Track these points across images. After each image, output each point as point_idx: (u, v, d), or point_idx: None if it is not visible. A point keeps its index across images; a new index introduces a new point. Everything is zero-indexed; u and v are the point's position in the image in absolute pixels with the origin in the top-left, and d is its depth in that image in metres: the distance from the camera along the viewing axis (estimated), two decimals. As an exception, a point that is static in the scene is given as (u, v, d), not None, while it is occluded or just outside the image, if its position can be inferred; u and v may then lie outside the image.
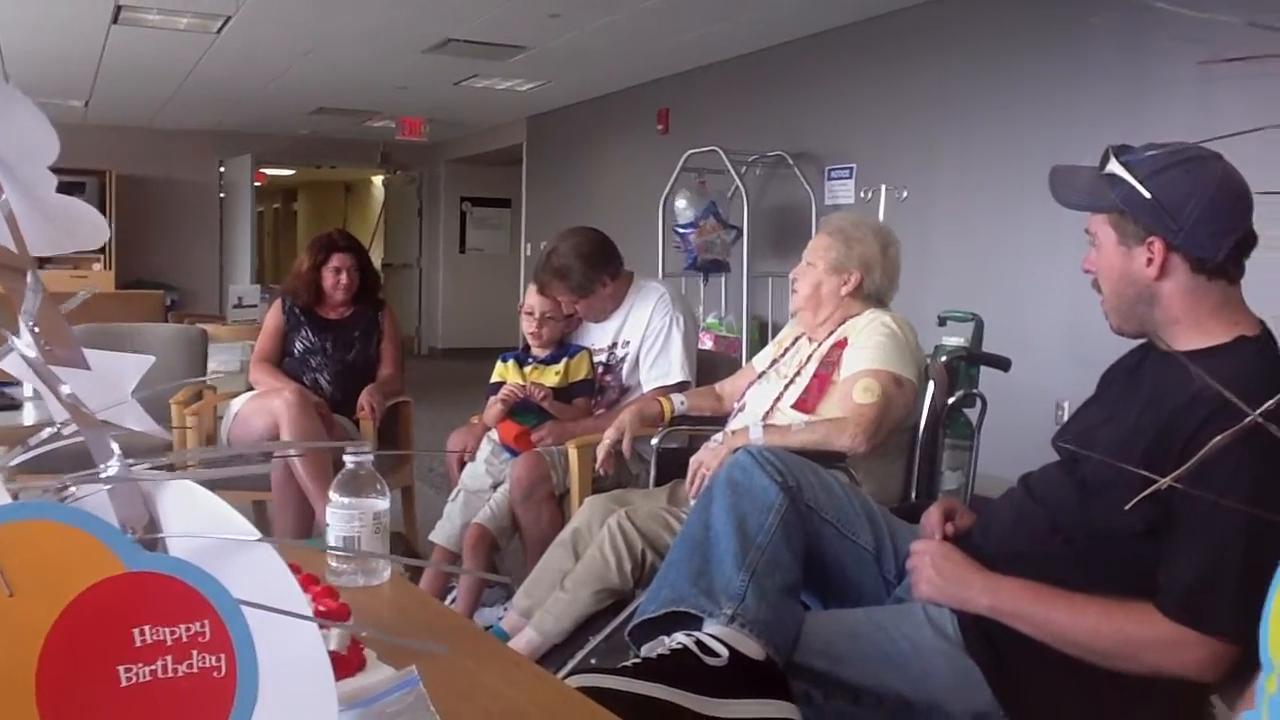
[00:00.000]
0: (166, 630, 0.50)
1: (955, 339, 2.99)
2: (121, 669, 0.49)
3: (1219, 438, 0.61)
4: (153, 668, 0.49)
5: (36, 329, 0.54)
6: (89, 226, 0.65)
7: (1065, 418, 1.92)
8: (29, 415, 3.28)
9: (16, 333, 0.54)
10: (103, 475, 0.51)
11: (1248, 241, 1.57)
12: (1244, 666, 1.38)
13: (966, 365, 2.88)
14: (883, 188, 5.82)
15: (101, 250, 10.56)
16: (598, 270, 3.29)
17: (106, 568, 0.49)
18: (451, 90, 8.99)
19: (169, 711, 0.50)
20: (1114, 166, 1.59)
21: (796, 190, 6.83)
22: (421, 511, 4.08)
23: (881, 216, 5.35)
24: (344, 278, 3.88)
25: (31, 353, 0.53)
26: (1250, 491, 1.38)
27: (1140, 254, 1.59)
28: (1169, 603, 1.45)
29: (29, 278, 0.55)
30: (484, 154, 12.04)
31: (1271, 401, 0.60)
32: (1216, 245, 1.55)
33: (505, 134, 11.17)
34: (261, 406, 3.59)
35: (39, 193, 0.60)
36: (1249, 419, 0.54)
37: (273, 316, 3.96)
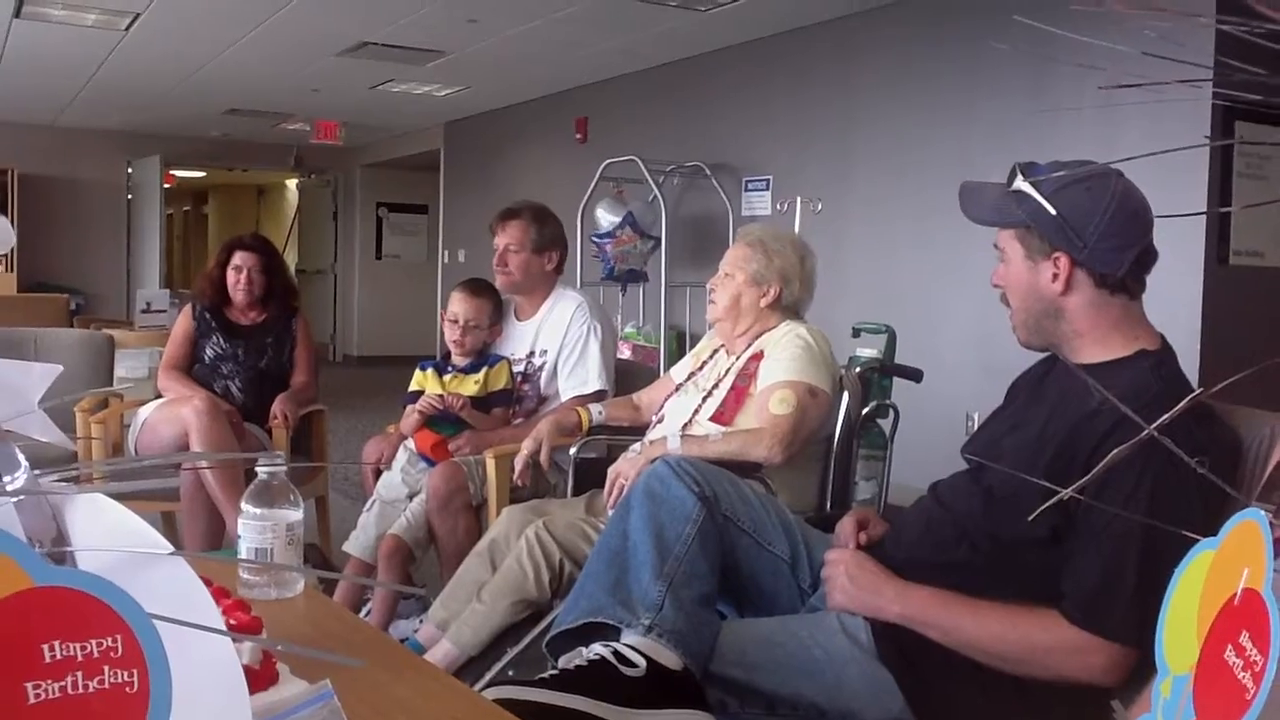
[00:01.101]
0: (77, 646, 0.48)
1: (869, 350, 3.03)
2: (30, 686, 0.48)
3: (1116, 451, 0.63)
4: (63, 684, 0.48)
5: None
6: (-6, 232, 0.63)
7: (975, 428, 1.96)
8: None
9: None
10: (9, 487, 0.50)
11: (1148, 257, 1.63)
12: (1144, 670, 1.42)
13: (880, 376, 2.92)
14: (798, 199, 5.89)
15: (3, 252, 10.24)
16: (558, 243, 3.38)
17: (14, 583, 0.48)
18: (368, 94, 8.90)
19: (80, 729, 0.48)
20: (1021, 183, 1.63)
21: (714, 201, 6.88)
22: (336, 522, 4.02)
23: (797, 228, 5.42)
24: (245, 276, 3.80)
25: (-68, 361, 0.52)
26: (1149, 501, 1.43)
27: (1046, 269, 1.64)
28: (1071, 609, 1.49)
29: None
30: (401, 159, 11.94)
31: (1167, 415, 0.62)
32: (1119, 260, 1.60)
33: (423, 139, 11.09)
34: (170, 415, 3.50)
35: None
36: (1145, 433, 0.56)
37: (182, 322, 3.88)
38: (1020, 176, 1.64)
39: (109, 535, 0.52)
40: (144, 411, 3.64)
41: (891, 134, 5.85)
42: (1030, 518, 1.02)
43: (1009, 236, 1.69)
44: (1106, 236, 1.58)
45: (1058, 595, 1.52)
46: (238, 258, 3.82)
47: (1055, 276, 1.63)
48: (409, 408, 3.25)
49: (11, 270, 10.20)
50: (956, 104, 5.48)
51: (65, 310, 7.53)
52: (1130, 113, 4.50)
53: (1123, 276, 1.61)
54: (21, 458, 0.51)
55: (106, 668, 0.49)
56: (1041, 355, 1.79)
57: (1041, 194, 1.60)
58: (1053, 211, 1.60)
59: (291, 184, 14.29)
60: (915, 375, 2.96)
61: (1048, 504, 0.81)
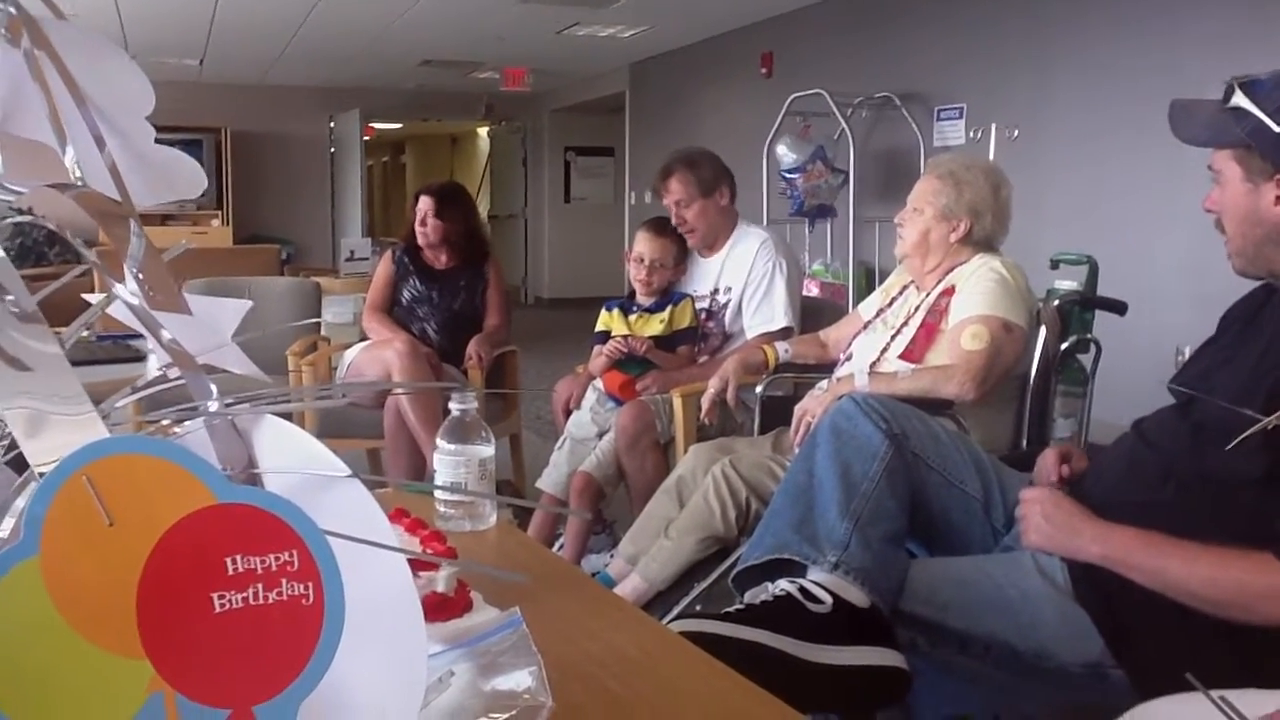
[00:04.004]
0: (256, 559, 0.52)
1: (1068, 282, 2.90)
2: (215, 595, 0.52)
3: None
4: (244, 595, 0.52)
5: (140, 276, 0.56)
6: (187, 177, 0.66)
7: (1184, 362, 1.85)
8: (154, 366, 3.42)
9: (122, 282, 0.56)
10: (199, 412, 0.53)
11: None
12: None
13: (1080, 309, 2.79)
14: (993, 127, 5.66)
15: (220, 206, 10.87)
16: (722, 177, 3.34)
17: (199, 499, 0.52)
18: (553, 39, 8.98)
19: (260, 636, 0.53)
20: (1239, 99, 1.51)
21: (904, 132, 6.68)
22: (529, 459, 4.14)
23: (991, 157, 5.21)
24: (428, 221, 3.93)
25: (135, 299, 0.55)
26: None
27: (1268, 191, 1.52)
28: (1288, 552, 1.40)
29: (132, 227, 0.57)
30: (587, 102, 12.04)
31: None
32: None
33: (608, 82, 11.15)
34: (374, 357, 3.68)
35: (138, 143, 0.61)
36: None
37: (384, 266, 4.06)
38: (1239, 92, 1.52)
39: (292, 459, 0.54)
40: (349, 354, 3.83)
41: (1092, 52, 5.53)
42: (1229, 446, 0.95)
43: (1225, 157, 1.57)
44: None
45: (1273, 538, 1.42)
46: (421, 203, 3.97)
47: (1278, 199, 1.51)
48: (597, 348, 3.31)
49: (227, 223, 10.83)
50: (1163, 17, 5.12)
51: (276, 260, 7.93)
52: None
53: None
54: (213, 386, 0.54)
55: (284, 580, 0.52)
56: (1259, 283, 1.67)
57: (1264, 110, 1.48)
58: (1276, 129, 1.47)
59: (483, 132, 14.63)
60: (1119, 307, 2.81)
61: (1253, 429, 0.75)
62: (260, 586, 0.52)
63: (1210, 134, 1.59)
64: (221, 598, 0.51)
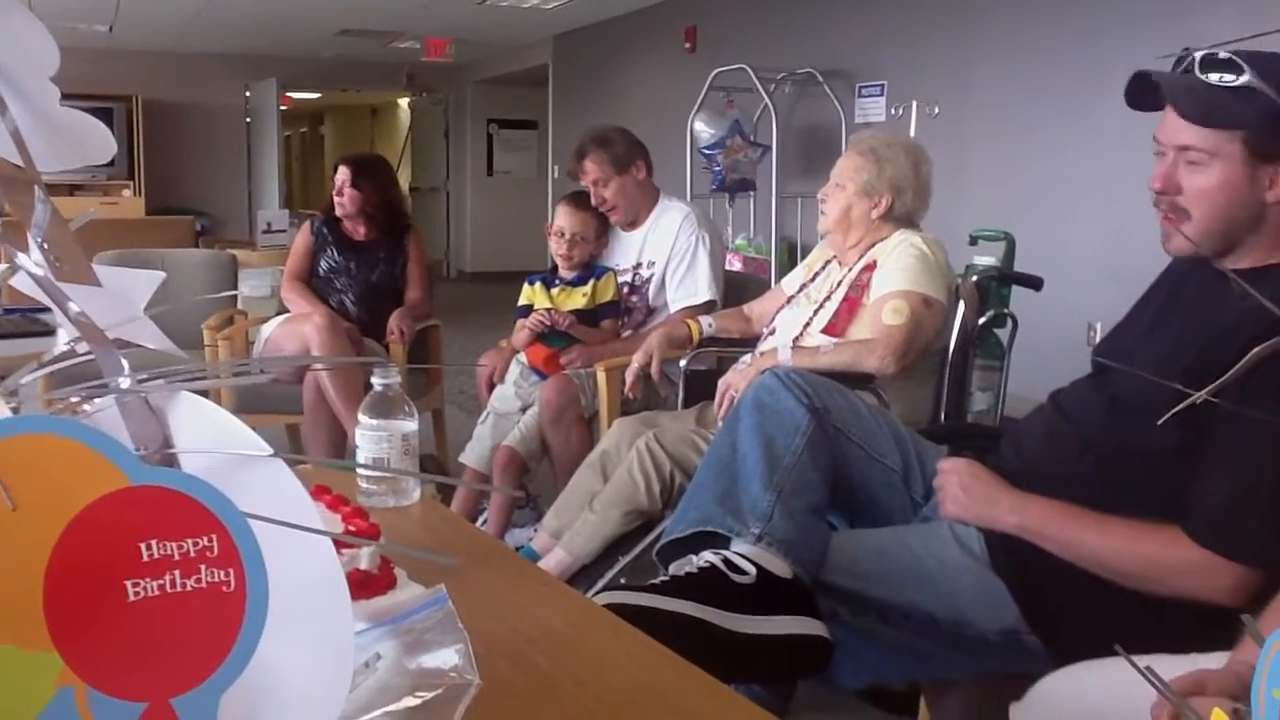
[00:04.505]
0: (173, 545, 0.50)
1: (986, 258, 2.95)
2: (129, 583, 0.49)
3: (1259, 349, 0.59)
4: (161, 582, 0.50)
5: (45, 245, 0.53)
6: (96, 141, 0.64)
7: (1097, 338, 1.87)
8: (62, 341, 3.32)
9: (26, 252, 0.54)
10: (110, 389, 0.51)
11: None
12: (1271, 590, 1.36)
13: (998, 285, 2.84)
14: (914, 104, 5.71)
15: (131, 176, 10.58)
16: (636, 151, 3.33)
17: (110, 482, 0.49)
18: (476, 9, 8.86)
19: (178, 625, 0.50)
20: (1251, 79, 1.42)
21: (826, 108, 6.72)
22: (452, 434, 4.11)
23: (913, 134, 5.26)
24: (345, 191, 3.87)
25: (39, 270, 0.53)
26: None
27: (1265, 174, 1.47)
28: (1197, 528, 1.43)
29: (36, 193, 0.54)
30: (510, 74, 11.92)
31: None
32: None
33: (531, 54, 11.04)
34: (292, 332, 3.61)
35: (43, 105, 0.59)
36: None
37: (302, 236, 4.00)
38: (1249, 70, 1.42)
39: (210, 438, 0.52)
40: (267, 328, 3.76)
41: (1013, 29, 5.60)
42: (1160, 421, 0.96)
43: (1224, 139, 1.47)
44: None
45: (1182, 512, 1.45)
46: (338, 172, 3.92)
47: (1272, 183, 1.46)
48: (520, 322, 3.29)
49: (140, 194, 10.54)
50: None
51: (191, 232, 7.76)
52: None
53: None
54: (124, 362, 0.52)
55: (203, 566, 0.50)
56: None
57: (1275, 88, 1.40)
58: None
59: (404, 103, 14.41)
60: (1035, 283, 2.87)
61: (1180, 406, 0.77)
62: (178, 573, 0.49)
63: (1211, 112, 1.48)
64: (136, 586, 0.49)
